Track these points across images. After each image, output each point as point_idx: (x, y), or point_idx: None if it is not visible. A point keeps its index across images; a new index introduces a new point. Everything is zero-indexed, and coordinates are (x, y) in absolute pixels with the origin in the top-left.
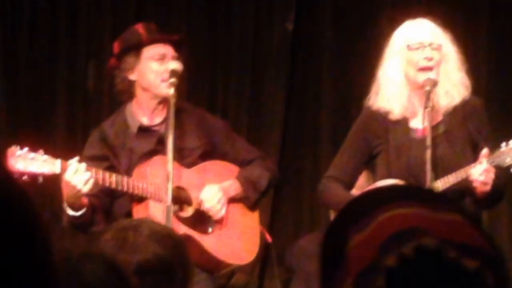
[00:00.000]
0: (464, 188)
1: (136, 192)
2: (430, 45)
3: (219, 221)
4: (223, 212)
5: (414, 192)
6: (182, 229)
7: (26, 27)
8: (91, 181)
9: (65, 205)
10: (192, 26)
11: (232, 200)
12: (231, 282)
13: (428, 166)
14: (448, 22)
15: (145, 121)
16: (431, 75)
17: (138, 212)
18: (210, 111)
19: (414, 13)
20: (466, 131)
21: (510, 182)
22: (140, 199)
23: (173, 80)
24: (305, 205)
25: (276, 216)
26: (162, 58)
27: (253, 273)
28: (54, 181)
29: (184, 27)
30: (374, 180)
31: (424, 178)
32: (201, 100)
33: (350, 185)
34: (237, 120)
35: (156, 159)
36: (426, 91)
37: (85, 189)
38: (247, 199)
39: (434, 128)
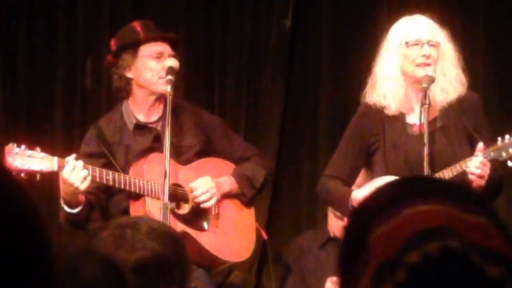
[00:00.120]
0: (460, 182)
1: (133, 189)
2: (428, 42)
3: (216, 218)
4: (213, 201)
5: (443, 188)
6: (179, 226)
7: (24, 24)
8: (89, 179)
9: (62, 202)
10: (190, 24)
11: (228, 197)
12: (229, 280)
13: (426, 162)
14: (445, 18)
15: (141, 118)
16: (429, 71)
17: (135, 209)
18: (208, 110)
19: (412, 9)
20: (462, 126)
21: (507, 176)
22: (137, 196)
23: (170, 77)
24: (303, 203)
25: (274, 214)
26: (159, 56)
27: (251, 270)
28: (51, 178)
29: (182, 25)
30: (372, 177)
31: (421, 173)
32: (198, 98)
33: (349, 183)
34: (235, 119)
35: (153, 156)
36: (423, 88)
37: (83, 186)
38: (243, 195)
39: (430, 123)
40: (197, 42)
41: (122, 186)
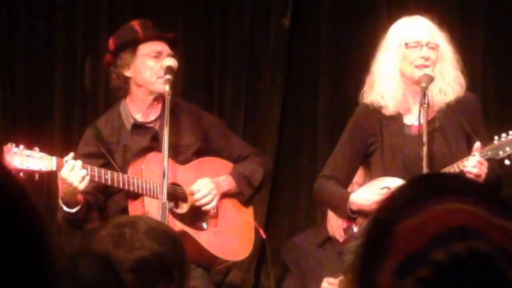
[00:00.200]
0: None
1: (131, 188)
2: (427, 44)
3: (214, 217)
4: (214, 203)
5: (474, 188)
6: (178, 226)
7: (24, 24)
8: (87, 178)
9: (60, 201)
10: (189, 24)
11: (226, 196)
12: (228, 279)
13: (425, 163)
14: (445, 19)
15: (139, 118)
16: (428, 71)
17: (134, 208)
18: (207, 110)
19: (412, 10)
20: (460, 126)
21: (505, 175)
22: (136, 196)
23: (168, 76)
24: (301, 203)
25: (272, 213)
26: (158, 55)
27: (250, 270)
28: (50, 178)
29: (181, 25)
30: (370, 178)
31: (420, 174)
32: (197, 98)
33: (346, 184)
34: (234, 119)
35: (151, 155)
36: (422, 87)
37: (81, 186)
38: (241, 194)
39: (428, 123)
40: (196, 42)
41: (121, 186)
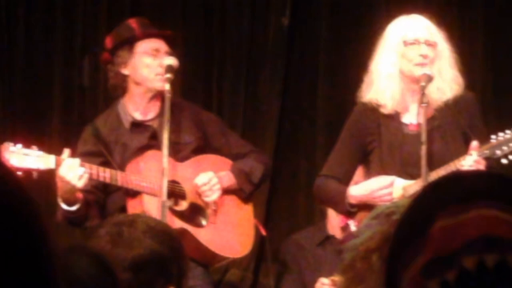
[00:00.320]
0: None
1: (130, 186)
2: (425, 42)
3: (214, 214)
4: (216, 196)
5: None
6: (177, 223)
7: (22, 21)
8: (86, 176)
9: (59, 199)
10: (188, 23)
11: (226, 193)
12: (226, 278)
13: (424, 162)
14: (443, 19)
15: (138, 116)
16: (427, 70)
17: (133, 206)
18: (206, 109)
19: (410, 9)
20: (458, 125)
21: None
22: (134, 194)
23: (168, 75)
24: (300, 201)
25: (272, 211)
26: (155, 52)
27: (248, 268)
28: (49, 176)
29: (180, 24)
30: (368, 176)
31: (418, 173)
32: (196, 97)
33: (345, 183)
34: (232, 117)
35: (150, 153)
36: (421, 86)
37: (80, 184)
38: (241, 191)
39: (426, 122)
40: (195, 41)
41: (119, 184)
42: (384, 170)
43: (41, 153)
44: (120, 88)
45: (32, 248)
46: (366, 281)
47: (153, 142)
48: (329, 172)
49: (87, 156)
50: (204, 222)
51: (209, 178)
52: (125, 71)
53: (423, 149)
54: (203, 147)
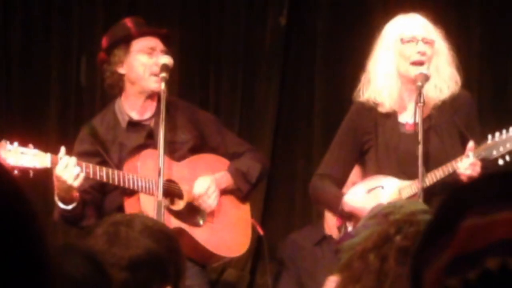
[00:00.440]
0: (452, 182)
1: (126, 185)
2: (422, 39)
3: (211, 214)
4: (215, 203)
5: None
6: (174, 223)
7: (19, 21)
8: (82, 176)
9: (56, 198)
10: (185, 22)
11: (223, 192)
12: (223, 277)
13: (420, 161)
14: (440, 17)
15: (134, 115)
16: (423, 69)
17: (130, 206)
18: (202, 108)
19: (407, 8)
20: (454, 124)
21: None
22: (131, 193)
23: (164, 74)
24: (297, 200)
25: (268, 210)
26: (151, 51)
27: (245, 268)
28: (46, 174)
29: (177, 23)
30: (365, 176)
31: (414, 173)
32: (193, 96)
33: (342, 181)
34: (229, 117)
35: (146, 152)
36: (418, 86)
37: (76, 183)
38: (239, 191)
39: (423, 121)
40: (192, 40)
41: (116, 183)
42: (380, 169)
43: (37, 151)
44: (116, 87)
45: (28, 249)
46: (363, 280)
47: (150, 141)
48: (325, 171)
49: (84, 156)
50: (201, 221)
51: (206, 187)
52: (121, 70)
53: (420, 148)
54: (200, 146)
